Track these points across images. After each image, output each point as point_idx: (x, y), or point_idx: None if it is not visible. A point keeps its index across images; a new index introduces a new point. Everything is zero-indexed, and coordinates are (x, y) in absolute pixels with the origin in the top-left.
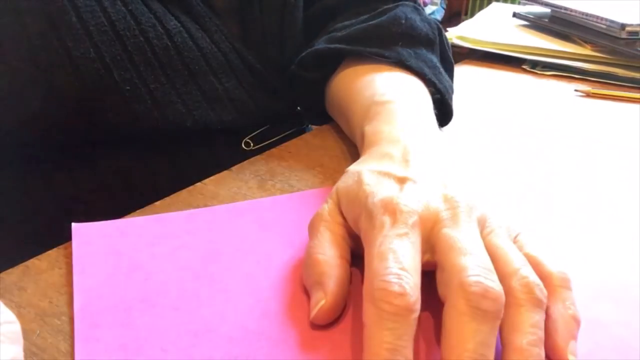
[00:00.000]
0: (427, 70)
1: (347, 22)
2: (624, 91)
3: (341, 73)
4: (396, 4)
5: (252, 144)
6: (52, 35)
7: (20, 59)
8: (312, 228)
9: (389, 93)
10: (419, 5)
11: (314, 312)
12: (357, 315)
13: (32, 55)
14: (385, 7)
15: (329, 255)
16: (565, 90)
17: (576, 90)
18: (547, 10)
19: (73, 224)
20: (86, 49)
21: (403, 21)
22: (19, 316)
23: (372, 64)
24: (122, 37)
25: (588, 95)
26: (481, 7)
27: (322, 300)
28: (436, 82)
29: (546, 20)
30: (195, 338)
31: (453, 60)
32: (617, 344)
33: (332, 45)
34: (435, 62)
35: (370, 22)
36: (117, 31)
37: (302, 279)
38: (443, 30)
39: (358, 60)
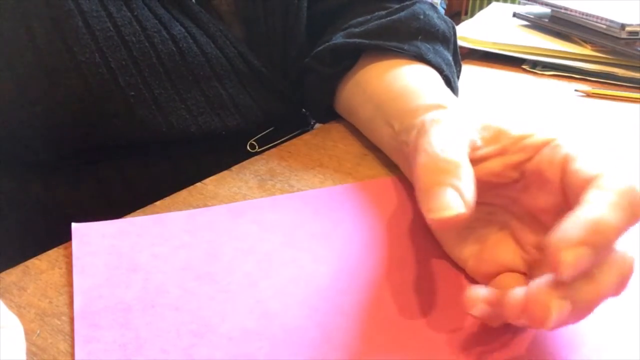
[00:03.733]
0: (444, 67)
1: (361, 19)
2: (624, 91)
3: (362, 69)
4: (412, 1)
5: (257, 146)
6: (58, 39)
7: (25, 63)
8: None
9: (434, 96)
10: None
11: (447, 213)
12: (357, 314)
13: (37, 59)
14: (403, 4)
15: (460, 155)
16: (565, 90)
17: (576, 90)
18: (547, 10)
19: (73, 224)
20: (91, 53)
21: (421, 17)
22: (19, 316)
23: (391, 58)
24: (127, 42)
25: (588, 95)
26: (481, 7)
27: (462, 207)
28: (451, 80)
29: (546, 20)
30: (195, 338)
31: (461, 62)
32: (617, 343)
33: (351, 40)
34: (450, 60)
35: (389, 18)
36: (122, 36)
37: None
38: (456, 30)
39: (377, 55)
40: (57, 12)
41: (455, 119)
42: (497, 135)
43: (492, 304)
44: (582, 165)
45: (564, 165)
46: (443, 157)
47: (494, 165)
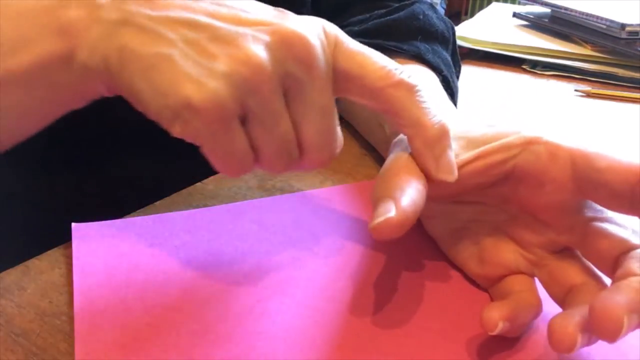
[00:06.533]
0: (443, 67)
1: (361, 17)
2: (624, 91)
3: None
4: (411, 1)
5: None
6: None
7: None
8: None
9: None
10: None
11: (377, 221)
12: (357, 314)
13: None
14: (402, 3)
15: (402, 168)
16: (565, 90)
17: (576, 90)
18: (547, 10)
19: (73, 224)
20: None
21: (421, 17)
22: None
23: (390, 57)
24: None
25: (588, 95)
26: (481, 7)
27: (392, 212)
28: (450, 80)
29: (546, 20)
30: (195, 338)
31: (460, 62)
32: (617, 342)
33: None
34: (449, 60)
35: (388, 17)
36: None
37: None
38: (455, 31)
39: None
40: None
41: None
42: (468, 144)
43: (511, 319)
44: (605, 163)
45: (577, 164)
46: (386, 174)
47: (477, 165)
